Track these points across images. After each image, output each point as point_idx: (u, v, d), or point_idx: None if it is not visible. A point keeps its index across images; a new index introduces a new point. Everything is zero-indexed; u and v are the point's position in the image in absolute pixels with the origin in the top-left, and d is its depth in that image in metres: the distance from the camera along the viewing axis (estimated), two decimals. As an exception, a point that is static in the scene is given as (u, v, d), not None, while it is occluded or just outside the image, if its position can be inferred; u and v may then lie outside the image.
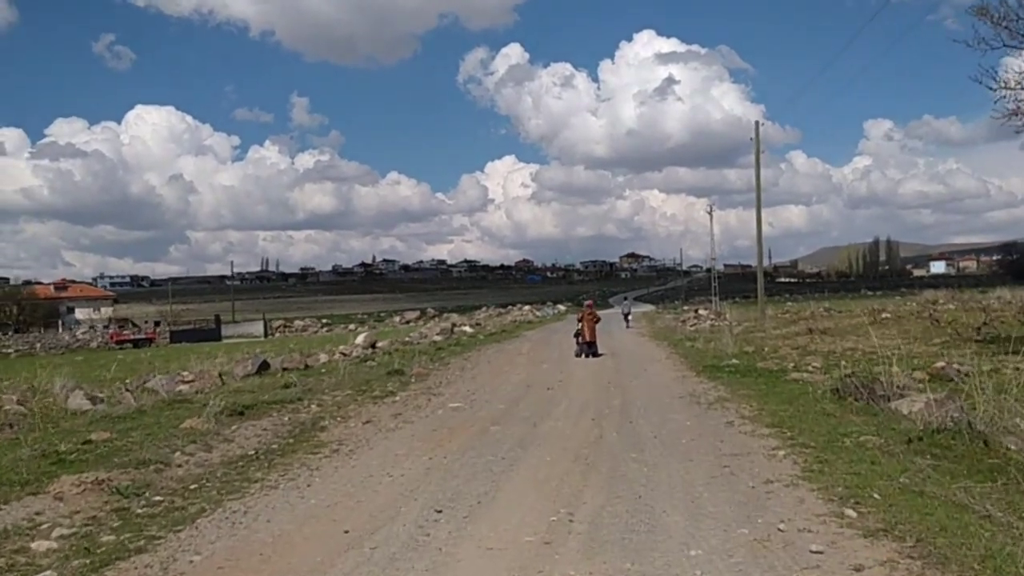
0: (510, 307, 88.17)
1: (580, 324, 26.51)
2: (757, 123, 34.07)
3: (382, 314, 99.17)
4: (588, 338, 25.77)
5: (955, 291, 73.83)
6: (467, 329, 47.33)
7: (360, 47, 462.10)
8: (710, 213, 73.11)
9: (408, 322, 78.61)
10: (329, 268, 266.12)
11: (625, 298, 47.92)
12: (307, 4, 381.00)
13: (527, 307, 79.64)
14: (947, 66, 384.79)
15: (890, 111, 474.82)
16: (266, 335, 73.68)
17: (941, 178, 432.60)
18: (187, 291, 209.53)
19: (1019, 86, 17.76)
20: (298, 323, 78.95)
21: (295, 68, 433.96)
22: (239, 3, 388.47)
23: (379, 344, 33.19)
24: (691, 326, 40.01)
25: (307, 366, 23.78)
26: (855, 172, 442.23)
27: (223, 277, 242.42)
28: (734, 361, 19.69)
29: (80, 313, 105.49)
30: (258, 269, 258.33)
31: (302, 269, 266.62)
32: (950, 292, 62.66)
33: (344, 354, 27.36)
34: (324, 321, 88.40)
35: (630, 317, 45.84)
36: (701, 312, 41.82)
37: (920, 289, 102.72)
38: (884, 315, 38.10)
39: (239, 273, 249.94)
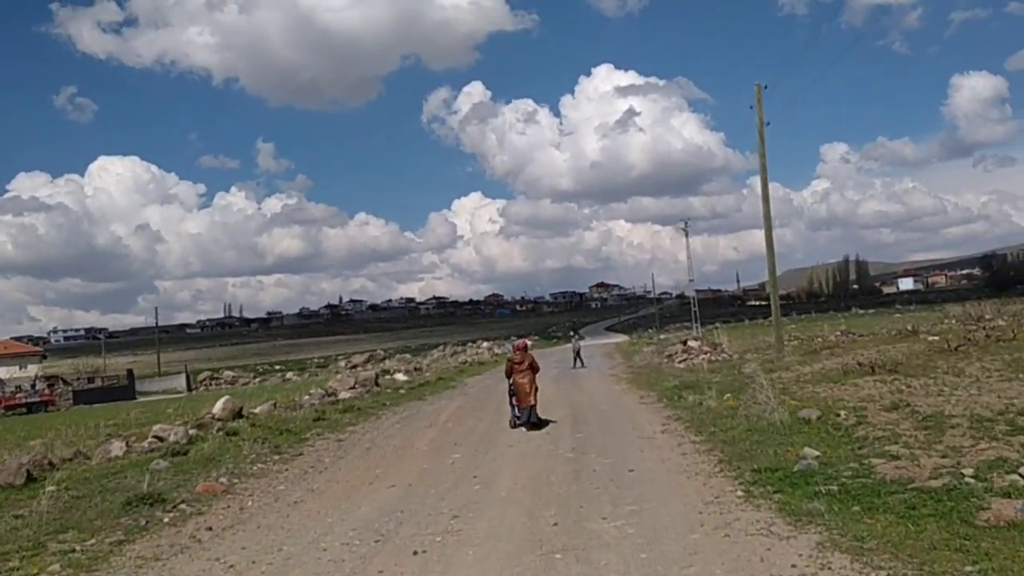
0: (469, 344, 78.08)
1: (510, 380, 16.62)
2: (759, 87, 24.56)
3: (332, 358, 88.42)
4: (524, 400, 15.99)
5: (962, 304, 64.89)
6: (399, 377, 37.26)
7: (324, 91, 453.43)
8: (685, 230, 64.05)
9: (355, 367, 68.19)
10: (297, 312, 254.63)
11: (574, 332, 35.93)
12: (270, 50, 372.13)
13: (485, 344, 69.66)
14: (897, 89, 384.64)
15: (845, 135, 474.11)
16: (189, 390, 62.97)
17: (899, 197, 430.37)
18: (144, 342, 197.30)
19: None
20: (228, 374, 68.13)
21: (260, 114, 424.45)
22: (201, 52, 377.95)
23: (255, 409, 23.12)
24: (680, 362, 30.25)
25: (52, 464, 13.55)
26: (815, 195, 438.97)
27: (184, 326, 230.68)
28: (812, 454, 9.57)
29: (2, 372, 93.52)
30: (222, 316, 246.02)
31: (268, 313, 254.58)
32: (967, 305, 53.73)
33: (159, 438, 17.09)
34: (260, 370, 77.59)
35: (582, 354, 35.91)
36: (691, 343, 31.97)
37: (904, 305, 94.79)
38: (931, 337, 28.60)
39: (201, 321, 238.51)
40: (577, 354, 35.16)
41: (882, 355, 23.18)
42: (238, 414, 21.68)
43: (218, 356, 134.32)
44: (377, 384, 32.28)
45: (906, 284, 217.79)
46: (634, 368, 31.02)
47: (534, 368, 16.48)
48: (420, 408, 22.03)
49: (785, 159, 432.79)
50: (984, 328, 29.16)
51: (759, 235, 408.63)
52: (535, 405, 16.06)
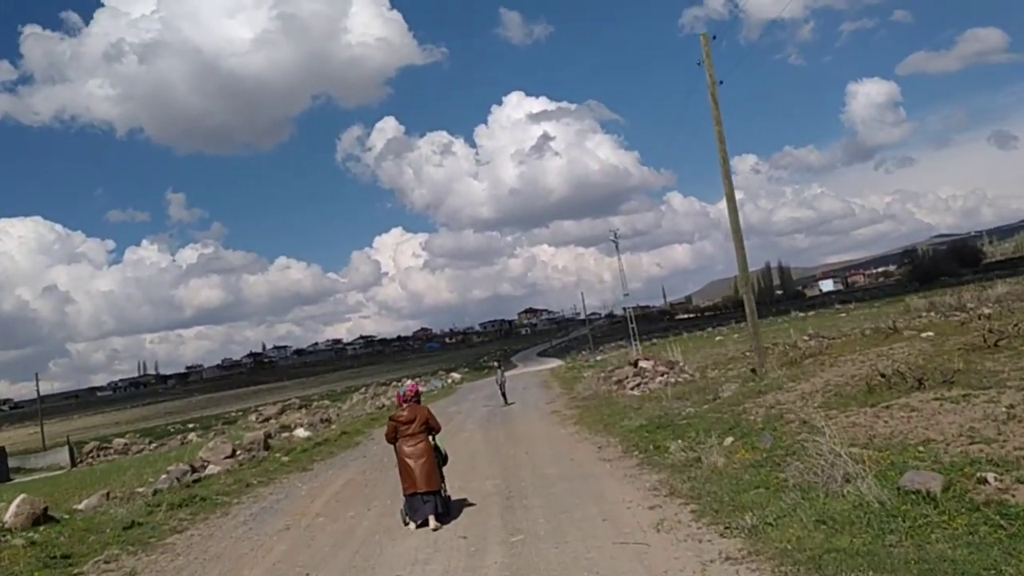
0: (394, 383, 71.40)
1: (396, 446, 10.53)
2: (705, 36, 19.33)
3: (249, 410, 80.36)
4: (417, 484, 9.93)
5: (916, 297, 61.43)
6: (299, 434, 30.82)
7: (234, 136, 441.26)
8: (615, 241, 58.99)
9: (266, 419, 60.82)
10: (219, 363, 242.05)
11: (497, 362, 28.87)
12: (174, 98, 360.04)
13: (409, 382, 63.10)
14: (798, 99, 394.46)
15: (753, 146, 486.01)
16: (73, 464, 54.55)
17: (809, 203, 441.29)
18: (54, 410, 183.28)
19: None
20: (118, 441, 59.69)
21: (168, 163, 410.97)
22: (102, 104, 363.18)
23: (80, 505, 16.77)
24: (634, 388, 24.61)
25: None
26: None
27: (94, 389, 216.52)
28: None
29: None
30: (136, 375, 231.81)
31: (188, 368, 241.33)
32: (927, 296, 49.91)
33: None
34: (159, 433, 69.21)
35: (506, 386, 29.99)
36: (643, 364, 26.36)
37: (844, 304, 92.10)
38: (926, 333, 23.77)
39: (113, 382, 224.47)
40: (501, 388, 29.19)
41: (899, 360, 17.96)
42: (41, 518, 15.17)
43: (127, 419, 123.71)
44: (267, 446, 25.84)
45: (827, 286, 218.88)
46: (579, 400, 25.29)
47: (431, 427, 10.46)
48: (295, 488, 15.70)
49: (698, 174, 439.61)
50: (992, 319, 24.46)
51: (680, 250, 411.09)
52: (441, 490, 10.07)
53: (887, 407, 12.06)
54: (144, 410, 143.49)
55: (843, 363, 19.66)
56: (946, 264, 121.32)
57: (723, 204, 21.04)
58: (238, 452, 24.66)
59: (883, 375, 15.04)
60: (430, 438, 10.33)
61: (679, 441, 12.65)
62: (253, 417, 66.36)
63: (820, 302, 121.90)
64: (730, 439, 11.66)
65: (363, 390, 70.29)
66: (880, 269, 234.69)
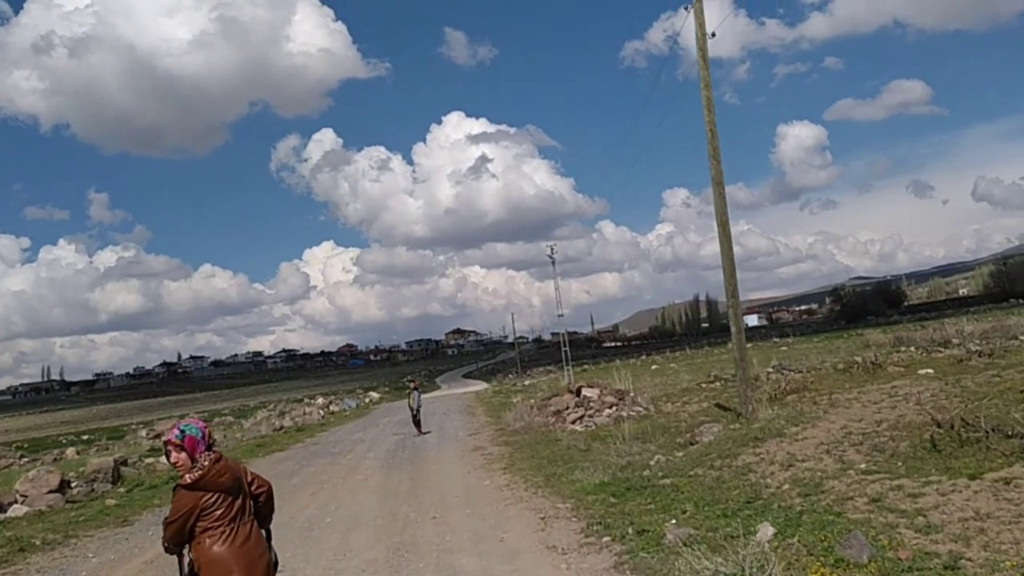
0: (306, 400, 65.37)
1: (192, 547, 4.74)
2: (693, 7, 14.82)
3: (147, 423, 72.81)
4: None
5: (879, 332, 58.35)
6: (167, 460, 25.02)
7: (165, 138, 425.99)
8: (551, 257, 54.39)
9: (158, 435, 54.01)
10: (129, 371, 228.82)
11: (413, 384, 22.51)
12: (104, 95, 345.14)
13: (320, 400, 57.24)
14: (730, 137, 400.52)
15: (685, 180, 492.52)
16: (-77, 479, 46.89)
17: (736, 239, 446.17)
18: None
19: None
20: (-17, 455, 52.24)
21: (93, 162, 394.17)
22: (27, 97, 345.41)
23: None
24: (576, 421, 19.79)
25: None
26: (659, 238, 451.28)
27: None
28: None
29: None
30: (39, 379, 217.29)
31: (96, 375, 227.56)
32: (885, 333, 46.74)
33: None
34: (34, 447, 61.43)
35: (423, 411, 24.63)
36: (587, 393, 21.52)
37: (776, 338, 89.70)
38: (924, 370, 19.82)
39: (13, 387, 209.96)
40: (415, 415, 24.04)
41: (925, 402, 13.62)
42: None
43: (18, 427, 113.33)
44: (116, 477, 20.29)
45: (752, 320, 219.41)
46: (509, 434, 20.32)
47: (263, 499, 5.20)
48: (77, 562, 10.34)
49: (632, 204, 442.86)
50: (994, 355, 20.58)
51: (609, 278, 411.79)
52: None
53: (1005, 482, 7.53)
54: (39, 418, 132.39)
55: (846, 404, 15.29)
56: (873, 304, 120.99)
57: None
58: (74, 484, 19.04)
59: (939, 424, 10.63)
60: (261, 533, 5.11)
61: (673, 522, 7.89)
62: (144, 432, 59.32)
63: (751, 336, 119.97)
64: (768, 529, 6.92)
65: (272, 406, 63.91)
66: (803, 307, 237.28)
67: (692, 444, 13.82)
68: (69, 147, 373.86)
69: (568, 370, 52.07)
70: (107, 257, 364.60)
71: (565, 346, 53.89)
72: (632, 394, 22.05)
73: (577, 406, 20.98)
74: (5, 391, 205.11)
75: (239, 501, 4.81)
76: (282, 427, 34.66)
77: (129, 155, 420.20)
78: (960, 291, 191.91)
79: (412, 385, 24.73)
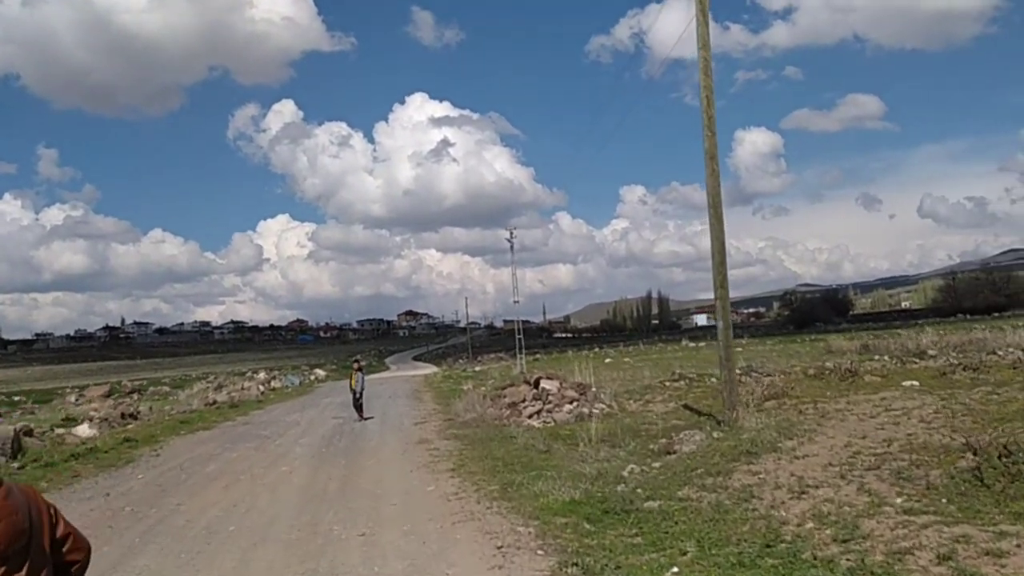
0: (249, 374, 62.53)
1: None
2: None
3: (71, 390, 69.06)
4: None
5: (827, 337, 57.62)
6: (83, 431, 22.81)
7: (119, 96, 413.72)
8: (510, 241, 52.41)
9: (88, 401, 50.88)
10: (70, 334, 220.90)
11: (356, 365, 23.65)
12: (58, 48, 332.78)
13: (262, 375, 54.50)
14: (689, 138, 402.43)
15: (643, 178, 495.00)
16: None
17: (689, 239, 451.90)
18: None
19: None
20: None
21: (43, 117, 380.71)
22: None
23: None
24: (533, 415, 17.80)
25: None
26: (615, 233, 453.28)
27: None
28: None
29: None
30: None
31: (36, 335, 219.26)
32: (860, 337, 45.66)
33: None
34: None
35: (363, 397, 22.31)
36: (545, 385, 19.49)
37: (736, 339, 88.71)
38: (908, 382, 18.33)
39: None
40: (356, 398, 21.99)
41: (932, 421, 11.93)
42: None
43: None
44: (16, 450, 17.86)
45: (701, 320, 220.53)
46: (459, 426, 18.21)
47: (74, 571, 2.91)
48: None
49: (589, 198, 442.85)
50: (980, 370, 19.12)
51: (563, 269, 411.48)
52: None
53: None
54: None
55: (838, 416, 13.57)
56: (821, 311, 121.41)
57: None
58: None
59: (974, 450, 8.87)
60: None
61: (675, 571, 5.93)
62: (73, 398, 56.02)
63: (703, 335, 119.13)
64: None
65: (211, 379, 60.91)
66: (751, 310, 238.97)
67: (670, 453, 11.91)
68: (19, 99, 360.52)
69: (521, 358, 50.27)
70: (54, 215, 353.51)
71: (519, 333, 52.10)
72: (594, 389, 20.14)
73: (535, 399, 19.01)
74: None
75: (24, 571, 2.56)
76: (215, 402, 32.10)
77: (82, 112, 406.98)
78: (903, 303, 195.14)
79: (356, 366, 22.48)
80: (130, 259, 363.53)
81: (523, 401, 19.16)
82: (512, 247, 53.15)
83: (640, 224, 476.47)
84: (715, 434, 12.46)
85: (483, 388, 32.92)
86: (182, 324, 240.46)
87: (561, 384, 19.69)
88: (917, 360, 23.91)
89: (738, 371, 25.47)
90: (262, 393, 39.49)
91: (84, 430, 23.67)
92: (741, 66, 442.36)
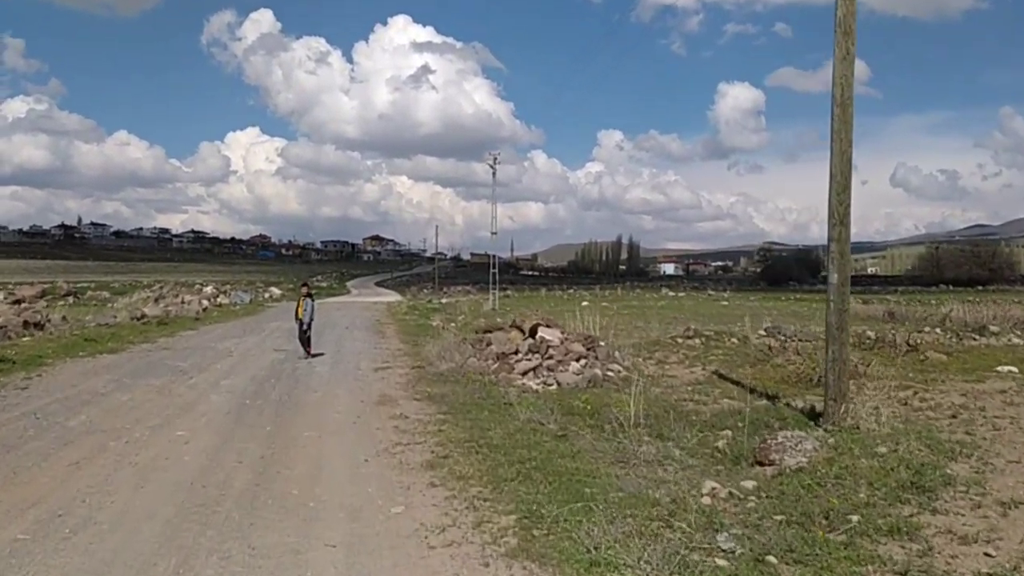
0: (198, 287, 57.51)
1: None
2: None
3: (13, 285, 63.42)
4: None
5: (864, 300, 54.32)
6: None
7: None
8: (492, 166, 47.62)
9: (18, 301, 45.60)
10: (24, 229, 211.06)
11: (305, 286, 18.94)
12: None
13: (209, 289, 49.56)
14: (672, 87, 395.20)
15: (622, 123, 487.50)
16: None
17: (662, 188, 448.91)
18: None
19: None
20: None
21: (11, 4, 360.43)
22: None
23: None
24: (527, 374, 13.54)
25: None
26: (588, 176, 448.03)
27: None
28: None
29: None
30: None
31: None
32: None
33: None
34: None
35: (311, 328, 17.78)
36: (545, 334, 15.20)
37: (717, 290, 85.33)
38: (1007, 367, 14.37)
39: None
40: (305, 328, 17.36)
41: None
42: None
43: None
44: None
45: (669, 269, 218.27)
46: (433, 379, 13.73)
47: None
48: None
49: (566, 139, 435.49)
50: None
51: (535, 207, 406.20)
52: None
53: None
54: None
55: (982, 417, 9.54)
56: (795, 269, 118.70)
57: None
58: None
59: None
60: None
61: None
62: (1, 295, 50.67)
63: (672, 283, 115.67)
64: None
65: (156, 287, 55.79)
66: (718, 263, 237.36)
67: (764, 464, 7.75)
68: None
69: (495, 293, 46.04)
70: (16, 107, 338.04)
71: (494, 267, 47.67)
72: (603, 344, 15.91)
73: (532, 351, 14.73)
74: None
75: None
76: (143, 316, 27.35)
77: (51, 3, 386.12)
78: (868, 269, 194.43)
79: (304, 290, 17.90)
80: (93, 159, 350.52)
81: (515, 353, 14.87)
82: (494, 174, 48.50)
83: (615, 169, 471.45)
84: (829, 439, 8.28)
85: (453, 324, 28.63)
86: (140, 229, 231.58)
87: (565, 336, 15.41)
88: (976, 336, 20.10)
89: (761, 332, 21.55)
90: (204, 310, 34.73)
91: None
92: (732, 18, 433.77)
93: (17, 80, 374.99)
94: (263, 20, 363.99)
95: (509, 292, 66.12)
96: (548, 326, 16.17)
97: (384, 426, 9.75)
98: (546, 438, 9.09)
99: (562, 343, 15.05)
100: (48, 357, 15.74)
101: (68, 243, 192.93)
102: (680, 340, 20.49)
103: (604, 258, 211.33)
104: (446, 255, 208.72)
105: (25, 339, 19.55)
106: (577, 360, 14.29)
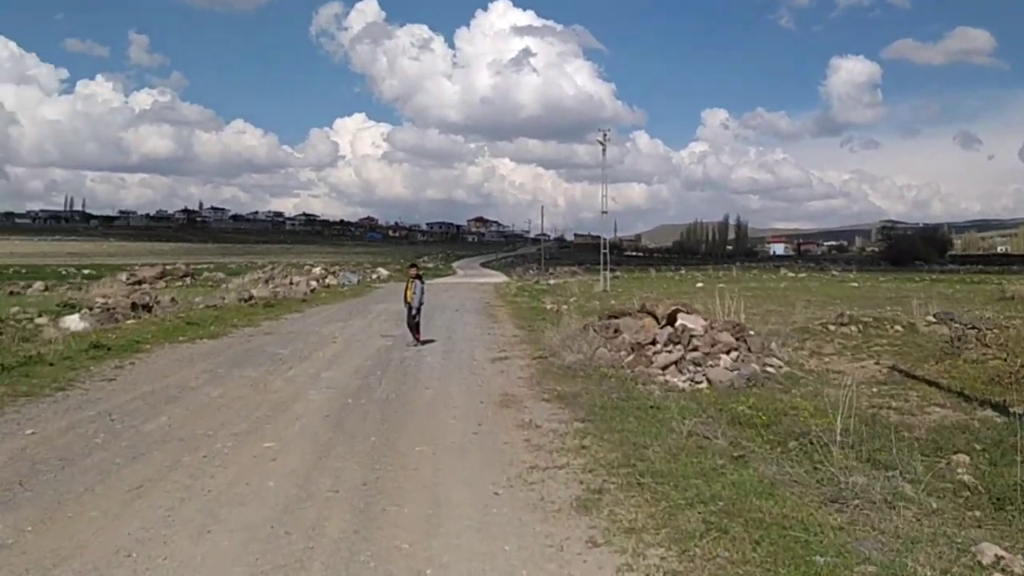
0: (308, 266, 57.71)
1: None
2: None
3: (129, 267, 65.51)
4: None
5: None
6: (72, 323, 17.85)
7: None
8: (602, 142, 45.22)
9: (139, 281, 46.56)
10: (151, 214, 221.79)
11: (413, 267, 17.66)
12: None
13: (318, 270, 49.31)
14: (781, 63, 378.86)
15: (726, 102, 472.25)
16: None
17: (770, 167, 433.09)
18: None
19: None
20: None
21: (136, 2, 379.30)
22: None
23: None
24: (669, 369, 11.37)
25: None
26: (692, 156, 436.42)
27: (10, 214, 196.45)
28: None
29: None
30: (62, 209, 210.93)
31: (121, 212, 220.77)
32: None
33: None
34: (24, 271, 54.73)
35: (420, 313, 15.91)
36: (687, 322, 13.01)
37: (835, 271, 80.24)
38: None
39: (33, 211, 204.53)
40: (415, 313, 15.57)
41: None
42: None
43: (25, 251, 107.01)
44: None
45: (779, 249, 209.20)
46: (560, 373, 11.64)
47: None
48: None
49: (667, 118, 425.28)
50: None
51: (637, 189, 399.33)
52: None
53: None
54: (49, 245, 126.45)
55: None
56: (921, 248, 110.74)
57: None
58: None
59: None
60: None
61: None
62: (124, 276, 51.95)
63: (780, 263, 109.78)
64: None
65: (267, 268, 56.17)
66: (832, 243, 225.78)
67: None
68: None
69: (606, 274, 43.80)
70: (143, 99, 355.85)
71: (604, 248, 45.34)
72: (755, 333, 13.57)
73: (671, 342, 12.55)
74: (25, 215, 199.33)
75: None
76: (251, 298, 26.59)
77: (173, 0, 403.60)
78: (998, 248, 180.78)
79: (413, 272, 16.24)
80: (212, 147, 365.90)
81: (652, 343, 12.73)
82: (604, 151, 46.06)
83: (720, 148, 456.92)
84: None
85: (565, 307, 26.67)
86: (256, 213, 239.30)
87: (709, 323, 13.14)
88: None
89: (930, 318, 18.60)
90: (312, 291, 33.99)
91: (75, 321, 18.45)
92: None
93: (143, 74, 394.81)
94: (368, 10, 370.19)
95: (618, 273, 63.52)
96: (687, 311, 13.93)
97: (512, 439, 7.85)
98: (720, 460, 6.99)
99: (706, 332, 12.80)
100: (146, 342, 14.66)
101: (190, 227, 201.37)
102: (831, 327, 17.84)
103: (710, 238, 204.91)
104: (549, 236, 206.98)
105: (130, 322, 18.76)
106: (727, 353, 12.03)
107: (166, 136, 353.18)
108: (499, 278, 61.09)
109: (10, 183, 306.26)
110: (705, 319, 13.72)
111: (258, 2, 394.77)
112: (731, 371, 11.25)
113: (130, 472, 6.43)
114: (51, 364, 11.80)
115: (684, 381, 11.19)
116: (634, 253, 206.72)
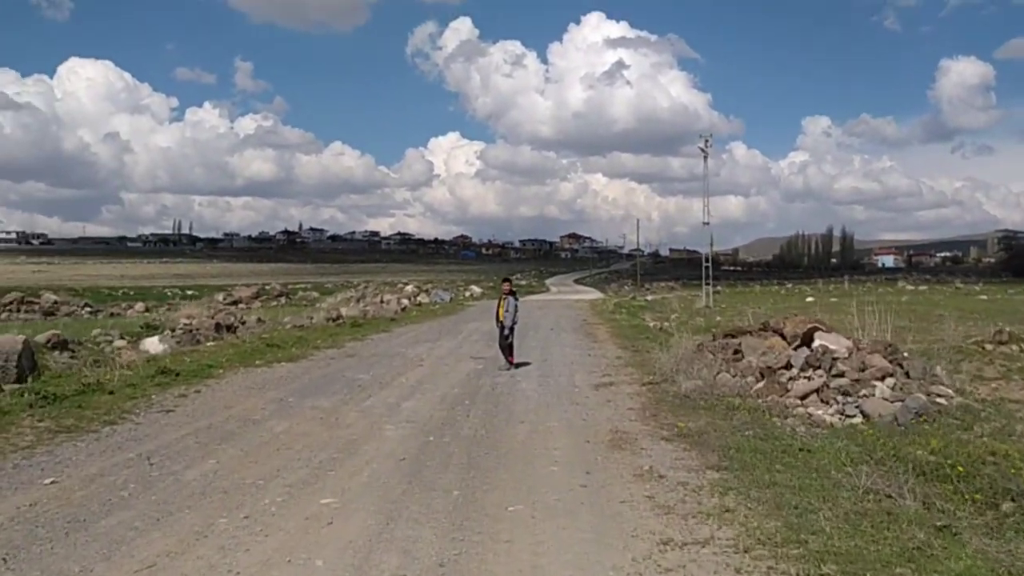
0: (401, 284, 57.30)
1: None
2: None
3: (227, 288, 66.81)
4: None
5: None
6: (151, 346, 17.08)
7: (310, 11, 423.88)
8: (704, 149, 43.03)
9: (235, 302, 47.04)
10: (254, 236, 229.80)
11: (507, 282, 15.68)
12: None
13: (411, 287, 48.55)
14: (886, 67, 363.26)
15: (828, 109, 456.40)
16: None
17: (875, 175, 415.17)
18: (76, 251, 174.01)
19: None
20: (47, 297, 46.74)
21: (240, 29, 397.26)
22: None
23: None
24: (808, 398, 9.44)
25: None
26: (792, 166, 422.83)
27: (124, 238, 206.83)
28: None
29: None
30: (169, 232, 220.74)
31: (225, 234, 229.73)
32: None
33: None
34: (132, 293, 56.36)
35: (514, 333, 14.41)
36: (827, 342, 11.01)
37: (959, 284, 74.79)
38: None
39: (143, 235, 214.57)
40: (507, 333, 14.07)
41: None
42: None
43: (135, 274, 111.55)
44: (28, 366, 11.88)
45: (888, 261, 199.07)
46: (676, 402, 9.88)
47: None
48: None
49: (765, 127, 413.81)
50: None
51: (734, 201, 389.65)
52: None
53: None
54: (157, 267, 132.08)
55: None
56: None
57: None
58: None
59: None
60: None
61: None
62: (221, 296, 52.69)
63: (887, 274, 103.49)
64: None
65: (361, 287, 56.03)
66: (944, 254, 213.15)
67: None
68: (219, 12, 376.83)
69: (708, 289, 41.45)
70: (247, 124, 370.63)
71: (707, 261, 42.97)
72: (910, 356, 11.39)
73: (809, 366, 10.56)
74: (136, 239, 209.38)
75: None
76: (339, 317, 25.66)
77: (274, 25, 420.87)
78: None
79: (506, 287, 14.76)
80: (312, 169, 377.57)
81: (786, 367, 10.77)
82: (706, 158, 43.83)
83: (821, 157, 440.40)
84: None
85: (666, 324, 24.71)
86: (353, 233, 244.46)
87: (856, 351, 11.03)
88: None
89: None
90: (403, 309, 33.04)
91: (153, 344, 17.70)
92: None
93: (247, 100, 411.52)
94: (462, 28, 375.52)
95: (719, 288, 60.68)
96: (827, 330, 11.88)
97: (632, 495, 6.14)
98: (920, 533, 5.11)
99: (851, 354, 10.75)
100: (219, 367, 13.61)
101: (290, 247, 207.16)
102: (988, 346, 15.35)
103: (813, 251, 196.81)
104: (643, 251, 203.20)
105: (209, 344, 17.93)
106: (881, 379, 9.97)
107: (268, 160, 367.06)
108: (594, 294, 59.18)
109: (124, 209, 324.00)
110: (848, 338, 11.64)
111: (356, 23, 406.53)
112: (891, 402, 9.21)
113: (146, 542, 5.05)
114: (111, 392, 10.79)
115: (832, 415, 9.23)
116: (732, 268, 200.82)
